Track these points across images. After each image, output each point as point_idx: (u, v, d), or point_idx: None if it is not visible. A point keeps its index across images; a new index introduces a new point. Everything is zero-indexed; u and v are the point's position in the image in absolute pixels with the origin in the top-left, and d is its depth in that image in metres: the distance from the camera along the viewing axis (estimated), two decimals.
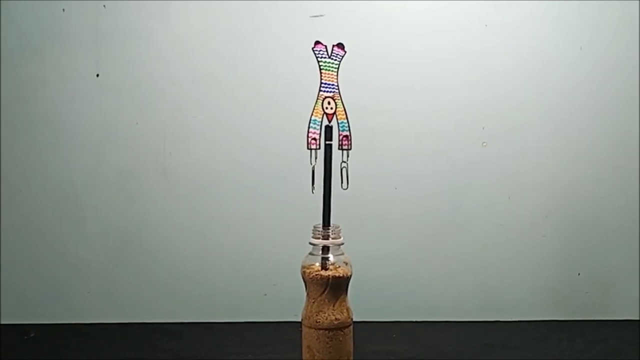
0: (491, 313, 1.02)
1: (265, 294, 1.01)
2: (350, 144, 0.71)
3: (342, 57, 0.70)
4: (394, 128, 0.99)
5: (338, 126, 0.70)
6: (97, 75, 0.96)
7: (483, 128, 0.99)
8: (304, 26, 0.96)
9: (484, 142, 0.99)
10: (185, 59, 0.97)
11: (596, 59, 0.98)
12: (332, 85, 0.70)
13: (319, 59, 0.69)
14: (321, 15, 0.96)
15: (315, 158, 0.69)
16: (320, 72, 0.69)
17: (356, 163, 0.89)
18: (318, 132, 0.70)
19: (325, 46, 0.69)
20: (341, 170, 0.70)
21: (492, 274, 1.01)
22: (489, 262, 1.01)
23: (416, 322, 1.01)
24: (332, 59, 0.70)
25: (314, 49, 0.69)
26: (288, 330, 0.90)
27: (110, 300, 1.00)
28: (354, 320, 0.71)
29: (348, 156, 0.70)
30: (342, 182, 0.70)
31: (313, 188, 0.70)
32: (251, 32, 0.97)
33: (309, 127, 0.69)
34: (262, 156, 0.99)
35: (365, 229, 1.00)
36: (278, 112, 0.98)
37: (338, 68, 0.70)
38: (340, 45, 0.70)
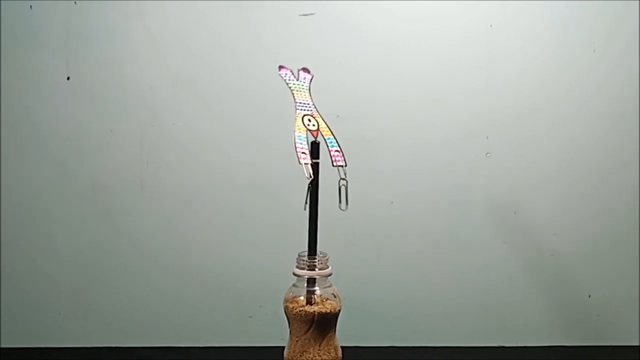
0: (495, 338, 0.98)
1: (250, 316, 0.97)
2: (345, 159, 0.67)
3: (311, 79, 0.69)
4: (390, 138, 0.94)
5: (326, 143, 0.66)
6: (68, 79, 0.92)
7: (487, 137, 0.95)
8: (293, 27, 0.91)
9: (487, 153, 0.95)
10: (163, 61, 0.92)
11: (611, 64, 0.94)
12: (307, 104, 0.68)
13: (287, 82, 0.68)
14: (311, 14, 0.91)
15: (311, 173, 0.65)
16: (292, 93, 0.67)
17: (349, 176, 0.87)
18: (306, 146, 0.65)
19: (290, 70, 0.68)
20: (339, 188, 0.65)
21: (496, 295, 0.97)
22: (492, 283, 0.97)
23: (414, 347, 0.97)
24: (300, 81, 0.68)
25: (280, 73, 0.68)
26: (274, 355, 0.82)
27: (82, 323, 0.96)
28: (346, 345, 0.67)
29: (346, 173, 0.66)
30: (340, 202, 0.65)
31: (306, 205, 0.65)
32: (235, 34, 0.92)
33: (295, 143, 0.64)
34: (247, 168, 0.94)
35: (358, 247, 0.95)
36: (264, 121, 0.93)
37: (309, 89, 0.68)
38: (306, 70, 0.69)
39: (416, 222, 0.95)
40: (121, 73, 0.92)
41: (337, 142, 0.67)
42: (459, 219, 0.95)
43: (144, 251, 0.95)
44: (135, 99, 0.93)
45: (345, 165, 0.66)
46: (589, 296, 0.97)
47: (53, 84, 0.92)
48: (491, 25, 0.92)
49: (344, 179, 0.65)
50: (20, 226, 0.94)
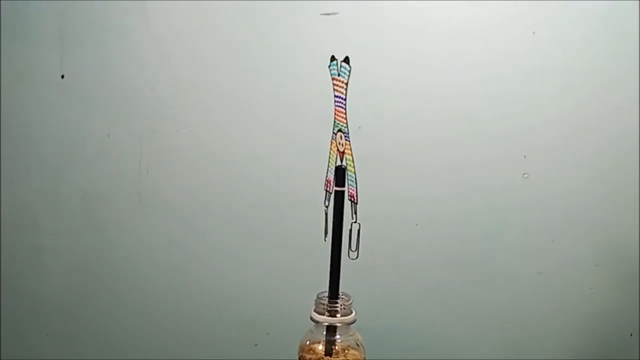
0: None
1: (256, 345, 0.92)
2: (357, 196, 0.60)
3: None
4: (417, 155, 0.89)
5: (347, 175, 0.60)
6: (62, 77, 0.88)
7: (525, 157, 0.88)
8: (312, 27, 0.85)
9: (525, 174, 0.88)
10: (167, 62, 0.87)
11: None
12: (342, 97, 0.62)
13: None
14: (334, 14, 0.85)
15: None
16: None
17: (370, 193, 0.83)
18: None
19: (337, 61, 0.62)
20: (350, 231, 0.59)
21: (528, 331, 0.92)
22: (524, 318, 0.91)
23: None
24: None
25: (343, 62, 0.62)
26: None
27: (71, 345, 0.93)
28: None
29: (356, 212, 0.59)
30: (350, 249, 0.59)
31: (326, 235, 0.61)
32: (245, 34, 0.87)
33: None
34: (255, 182, 0.89)
35: (377, 272, 0.90)
36: (276, 131, 0.88)
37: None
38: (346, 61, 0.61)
39: (442, 247, 0.90)
40: (121, 73, 0.88)
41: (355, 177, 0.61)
42: (490, 245, 0.90)
43: (140, 269, 0.91)
44: (135, 102, 0.88)
45: (357, 202, 0.60)
46: (631, 335, 0.92)
47: (46, 83, 0.88)
48: (534, 33, 0.85)
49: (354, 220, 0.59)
50: (4, 238, 0.90)
